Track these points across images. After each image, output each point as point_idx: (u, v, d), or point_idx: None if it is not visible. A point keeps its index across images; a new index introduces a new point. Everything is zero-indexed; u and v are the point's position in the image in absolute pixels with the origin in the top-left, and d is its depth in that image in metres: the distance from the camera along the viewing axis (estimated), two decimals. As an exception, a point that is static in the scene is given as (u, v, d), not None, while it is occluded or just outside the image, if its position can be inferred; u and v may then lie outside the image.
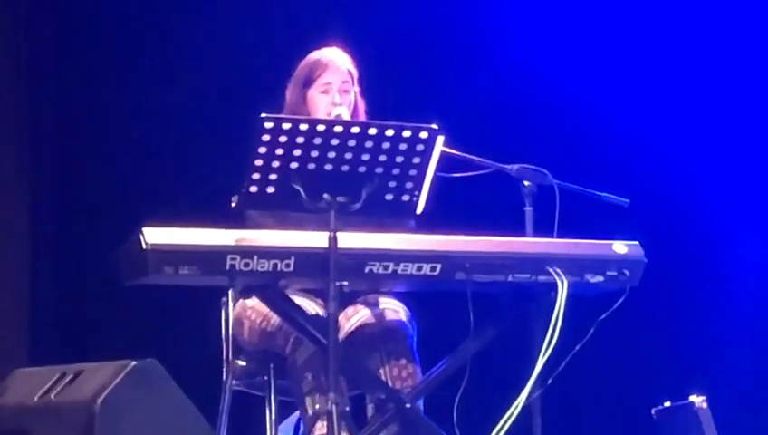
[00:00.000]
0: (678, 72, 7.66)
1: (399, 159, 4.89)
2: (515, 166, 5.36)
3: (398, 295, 5.47)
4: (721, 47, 7.65)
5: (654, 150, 6.80)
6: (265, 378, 5.31)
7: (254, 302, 5.26)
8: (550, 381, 5.00)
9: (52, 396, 4.99)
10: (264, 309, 5.23)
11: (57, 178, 7.25)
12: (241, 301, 5.32)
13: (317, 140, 4.83)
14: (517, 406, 4.88)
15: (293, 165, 4.82)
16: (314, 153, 4.83)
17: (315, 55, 5.65)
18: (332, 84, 5.50)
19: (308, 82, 5.53)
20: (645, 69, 7.59)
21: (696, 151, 7.16)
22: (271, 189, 4.86)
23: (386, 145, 4.87)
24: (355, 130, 4.90)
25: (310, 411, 5.13)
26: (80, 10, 8.18)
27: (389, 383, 5.22)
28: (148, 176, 6.70)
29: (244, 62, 6.88)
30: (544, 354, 4.90)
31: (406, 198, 4.97)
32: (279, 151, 4.80)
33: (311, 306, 5.18)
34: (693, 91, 7.50)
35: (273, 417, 5.31)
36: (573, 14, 7.59)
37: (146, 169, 6.79)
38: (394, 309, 5.40)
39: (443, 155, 5.07)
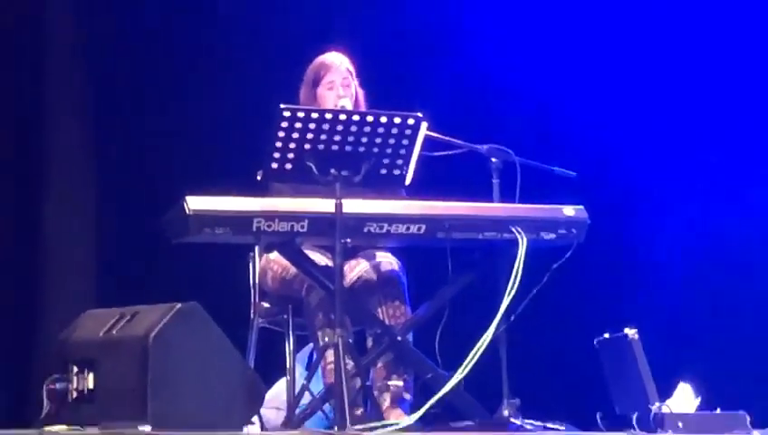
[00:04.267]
0: (625, 66, 7.51)
1: (391, 141, 4.98)
2: (485, 146, 5.38)
3: (391, 251, 5.53)
4: (659, 41, 7.54)
5: (596, 134, 6.80)
6: (285, 317, 5.40)
7: (275, 256, 5.34)
8: (513, 318, 5.07)
9: (114, 332, 4.83)
10: (284, 261, 5.30)
11: (120, 155, 7.15)
12: (265, 255, 5.41)
13: (325, 126, 4.91)
14: (486, 338, 4.93)
15: (306, 146, 4.91)
16: (323, 136, 4.91)
17: (319, 59, 5.66)
18: (335, 82, 5.51)
19: (316, 82, 5.55)
20: (595, 63, 7.43)
21: (627, 134, 7.14)
22: (288, 166, 4.95)
23: (380, 130, 4.95)
24: (355, 117, 5.00)
25: (321, 343, 5.18)
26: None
27: (385, 321, 5.31)
28: (190, 152, 6.71)
29: (266, 60, 6.77)
30: (508, 296, 4.99)
31: (397, 172, 5.05)
32: (295, 135, 4.89)
33: (321, 259, 5.26)
34: (632, 82, 7.39)
35: (291, 348, 5.40)
36: (530, 16, 7.37)
37: (188, 146, 6.79)
38: (389, 261, 5.48)
39: (426, 137, 5.11)
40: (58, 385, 4.89)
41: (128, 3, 7.54)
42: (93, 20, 7.49)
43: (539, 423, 5.18)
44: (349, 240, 5.05)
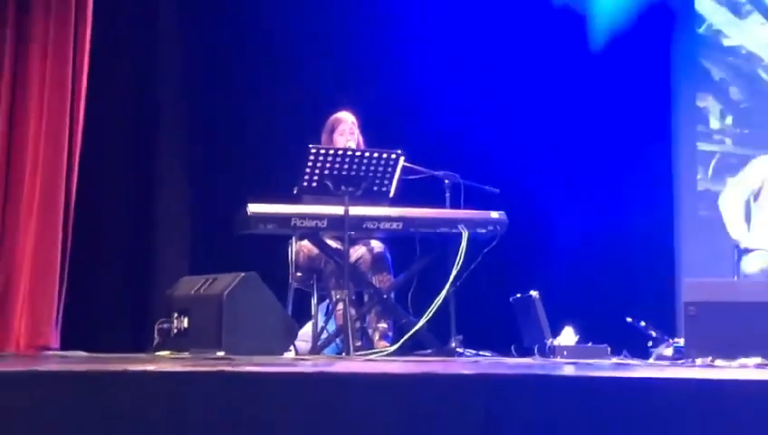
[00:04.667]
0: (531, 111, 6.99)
1: (380, 169, 5.08)
2: (441, 172, 5.38)
3: (380, 239, 5.50)
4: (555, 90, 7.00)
5: (512, 162, 6.47)
6: (311, 282, 5.42)
7: (305, 242, 5.36)
8: (458, 284, 5.13)
9: (201, 291, 5.08)
10: (311, 246, 5.34)
11: (208, 168, 6.76)
12: (298, 242, 5.39)
13: (338, 159, 5.04)
14: (441, 297, 5.03)
15: (326, 171, 5.01)
16: (336, 165, 5.02)
17: (335, 115, 5.55)
18: (345, 130, 5.46)
19: (332, 129, 5.49)
20: (510, 110, 6.91)
21: (533, 161, 6.82)
22: (314, 184, 5.04)
23: (373, 162, 5.07)
24: (357, 154, 5.11)
25: (334, 299, 5.26)
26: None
27: (376, 285, 5.34)
28: (253, 171, 6.43)
29: (301, 115, 6.42)
30: (455, 269, 5.08)
31: (384, 189, 5.13)
32: (318, 164, 5.02)
33: (334, 244, 5.28)
34: (540, 114, 6.97)
35: (315, 302, 5.42)
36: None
37: (251, 167, 6.50)
38: (379, 246, 5.49)
39: (403, 167, 5.17)
40: (164, 325, 5.08)
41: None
42: (195, 55, 6.91)
43: (474, 351, 5.22)
44: (352, 233, 5.14)
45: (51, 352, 5.77)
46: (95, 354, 5.05)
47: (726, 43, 7.36)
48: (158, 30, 6.80)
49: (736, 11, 7.36)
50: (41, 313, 5.97)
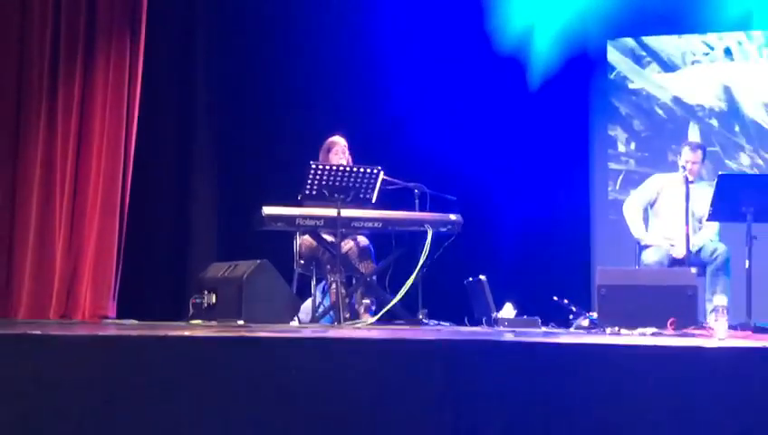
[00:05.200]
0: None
1: (365, 181, 4.98)
2: (412, 183, 5.31)
3: (365, 235, 5.43)
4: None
5: (467, 173, 6.39)
6: (311, 268, 5.38)
7: (306, 237, 5.29)
8: (425, 270, 5.05)
9: (226, 274, 5.03)
10: (311, 240, 5.27)
11: (235, 174, 6.71)
12: (301, 236, 5.32)
13: (332, 174, 4.95)
14: (410, 280, 4.97)
15: (323, 182, 4.91)
16: (331, 178, 4.93)
17: (331, 139, 5.48)
18: (338, 151, 5.40)
19: (329, 150, 5.43)
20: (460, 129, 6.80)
21: (485, 170, 6.69)
22: (314, 192, 4.94)
23: (359, 175, 4.97)
24: (347, 169, 5.01)
25: (329, 281, 5.23)
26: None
27: (361, 270, 5.28)
28: (268, 180, 6.31)
29: (303, 137, 6.20)
30: (422, 259, 5.02)
31: (368, 196, 5.04)
32: (317, 177, 4.92)
33: (329, 238, 5.20)
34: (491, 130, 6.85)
35: (314, 283, 5.40)
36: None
37: (267, 178, 6.36)
38: (364, 240, 5.43)
39: (383, 179, 5.07)
40: (197, 300, 5.03)
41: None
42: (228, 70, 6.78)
43: (436, 322, 5.17)
44: (343, 230, 5.08)
45: (109, 320, 5.78)
46: (144, 322, 5.04)
47: (631, 86, 7.37)
48: (194, 73, 6.75)
49: (638, 62, 7.38)
50: (101, 290, 5.99)
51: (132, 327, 4.48)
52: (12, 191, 6.00)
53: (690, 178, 5.40)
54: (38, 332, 2.92)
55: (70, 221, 6.02)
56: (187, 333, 3.01)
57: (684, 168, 5.46)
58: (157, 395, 2.67)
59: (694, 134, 7.16)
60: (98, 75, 6.08)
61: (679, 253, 5.40)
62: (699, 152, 5.71)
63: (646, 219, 5.80)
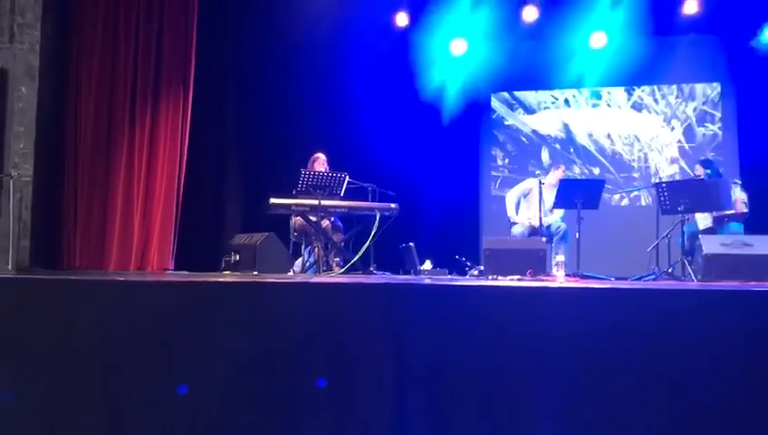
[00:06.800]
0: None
1: (336, 181, 4.81)
2: (367, 184, 5.16)
3: (337, 217, 5.27)
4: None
5: (401, 177, 6.17)
6: (302, 238, 5.22)
7: (298, 218, 5.12)
8: (374, 240, 4.85)
9: (245, 242, 4.89)
10: (302, 220, 5.10)
11: (252, 171, 6.56)
12: (295, 218, 5.19)
13: (315, 177, 4.80)
14: (366, 245, 4.83)
15: (309, 183, 4.75)
16: (315, 180, 4.78)
17: (315, 154, 5.34)
18: (320, 162, 5.28)
19: (313, 162, 5.29)
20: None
21: (412, 175, 6.67)
22: (303, 189, 4.77)
23: (333, 178, 4.80)
24: (325, 174, 4.84)
25: (313, 246, 5.11)
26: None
27: (335, 240, 5.14)
28: (275, 176, 5.85)
29: (294, 148, 6.01)
30: (373, 232, 4.81)
31: (338, 192, 4.85)
32: (306, 179, 4.76)
33: (313, 218, 4.98)
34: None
35: (303, 247, 5.22)
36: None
37: (274, 173, 6.01)
38: (335, 220, 5.29)
39: (348, 181, 4.87)
40: (227, 259, 5.00)
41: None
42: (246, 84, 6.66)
43: (381, 272, 5.07)
44: (322, 213, 4.99)
45: (169, 271, 5.74)
46: (193, 272, 4.92)
47: (505, 122, 7.40)
48: (226, 112, 6.69)
49: (510, 107, 7.43)
50: (164, 251, 5.93)
51: (185, 276, 4.32)
52: (105, 188, 5.87)
53: (543, 182, 5.49)
54: (122, 278, 2.85)
55: (143, 207, 5.93)
56: (221, 279, 2.97)
57: (542, 178, 5.62)
58: (201, 317, 2.59)
59: (545, 154, 7.24)
60: (161, 112, 6.01)
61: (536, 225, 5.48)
62: (561, 169, 5.83)
63: (518, 206, 5.83)
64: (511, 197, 5.83)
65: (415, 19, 6.69)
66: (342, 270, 4.84)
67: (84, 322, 2.55)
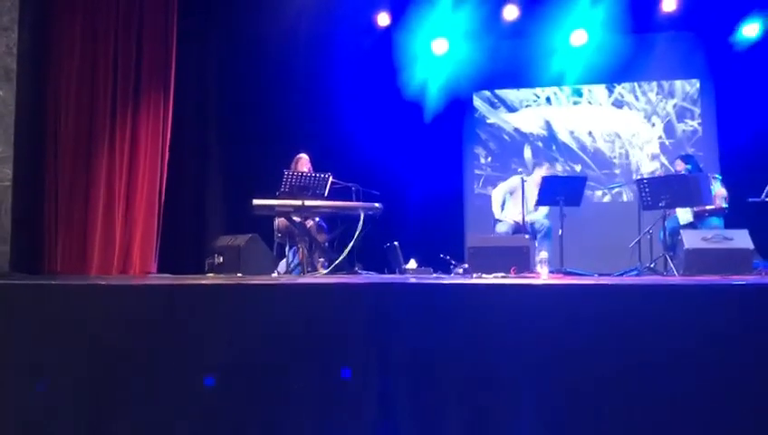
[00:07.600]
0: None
1: (320, 182, 4.83)
2: (351, 184, 5.09)
3: (321, 217, 5.23)
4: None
5: (386, 176, 6.17)
6: (285, 239, 5.21)
7: (282, 218, 5.10)
8: (359, 239, 4.74)
9: (230, 243, 4.86)
10: (285, 220, 5.06)
11: (237, 173, 6.46)
12: (279, 218, 5.16)
13: (298, 177, 4.84)
14: (350, 245, 4.73)
15: (293, 183, 4.79)
16: (298, 180, 4.82)
17: (298, 155, 5.36)
18: (303, 163, 5.30)
19: (297, 162, 5.30)
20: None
21: (397, 175, 6.61)
22: (287, 190, 4.80)
23: (316, 179, 4.83)
24: (308, 175, 4.89)
25: (298, 247, 5.16)
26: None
27: (319, 240, 5.11)
28: (260, 177, 5.54)
29: (280, 148, 5.81)
30: (357, 232, 4.75)
31: (322, 192, 4.88)
32: (289, 180, 4.80)
33: (297, 219, 5.02)
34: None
35: (287, 248, 5.24)
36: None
37: (259, 175, 5.74)
38: (319, 220, 5.27)
39: (332, 181, 4.93)
40: (211, 261, 4.95)
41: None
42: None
43: (367, 272, 5.00)
44: (306, 214, 4.99)
45: (151, 274, 5.68)
46: (175, 275, 4.90)
47: (488, 121, 7.39)
48: (207, 114, 6.64)
49: (492, 105, 7.44)
50: (147, 254, 5.87)
51: (168, 278, 4.31)
52: (86, 191, 5.81)
53: (526, 179, 5.51)
54: (104, 282, 2.82)
55: (125, 210, 5.87)
56: (204, 281, 2.95)
57: (524, 176, 5.62)
58: (184, 319, 2.59)
59: (528, 152, 7.25)
60: (142, 116, 5.95)
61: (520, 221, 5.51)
62: (545, 166, 5.93)
63: (503, 205, 5.83)
64: (497, 194, 5.85)
65: (396, 19, 6.69)
66: (327, 271, 4.83)
67: (66, 327, 2.55)
